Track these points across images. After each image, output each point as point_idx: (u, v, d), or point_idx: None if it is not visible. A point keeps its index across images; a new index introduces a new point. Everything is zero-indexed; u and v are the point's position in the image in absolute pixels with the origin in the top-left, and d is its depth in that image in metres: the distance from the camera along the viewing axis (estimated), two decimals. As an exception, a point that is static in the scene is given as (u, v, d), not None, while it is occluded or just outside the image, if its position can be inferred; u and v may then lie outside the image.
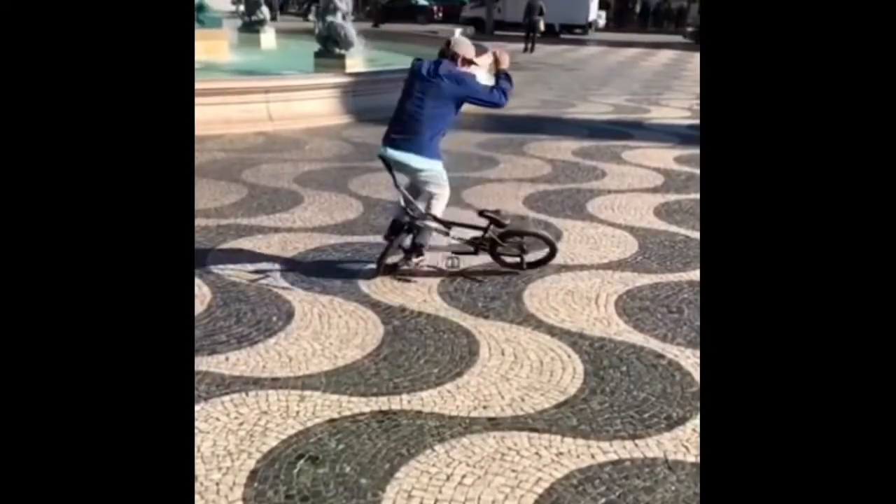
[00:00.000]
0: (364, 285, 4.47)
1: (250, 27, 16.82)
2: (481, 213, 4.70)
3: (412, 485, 2.68)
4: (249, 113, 9.30)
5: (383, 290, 4.40)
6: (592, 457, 2.89)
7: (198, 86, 9.68)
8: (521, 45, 22.70)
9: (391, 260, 4.64)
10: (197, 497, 2.59)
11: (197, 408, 3.12)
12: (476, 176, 7.26)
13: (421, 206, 4.56)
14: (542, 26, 23.38)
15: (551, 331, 3.94)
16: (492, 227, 4.64)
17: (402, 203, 4.51)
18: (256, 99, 9.51)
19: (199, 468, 2.74)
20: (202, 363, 3.49)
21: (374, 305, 4.18)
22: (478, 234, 4.68)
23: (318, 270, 4.69)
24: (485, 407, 3.20)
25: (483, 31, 29.86)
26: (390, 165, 4.44)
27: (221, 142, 8.48)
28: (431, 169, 4.46)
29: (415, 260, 4.70)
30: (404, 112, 4.39)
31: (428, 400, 3.23)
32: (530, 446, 2.94)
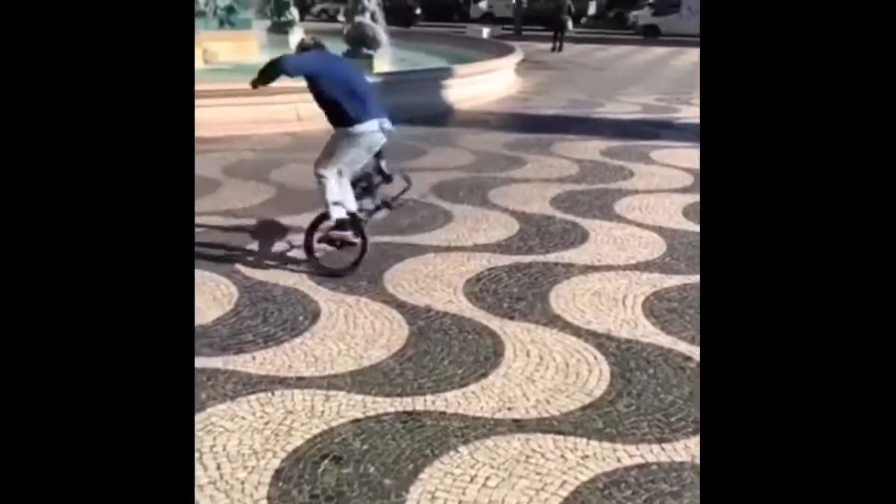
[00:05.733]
0: (390, 285, 4.47)
1: (279, 28, 16.94)
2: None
3: (436, 486, 2.68)
4: (278, 113, 9.35)
5: (409, 290, 4.41)
6: (619, 460, 2.86)
7: (226, 86, 9.78)
8: (549, 45, 22.62)
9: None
10: (222, 495, 2.61)
11: (223, 406, 3.14)
12: (503, 176, 7.24)
13: (383, 163, 4.92)
14: (570, 26, 23.22)
15: (577, 332, 3.91)
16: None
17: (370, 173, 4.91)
18: (285, 99, 9.55)
19: (225, 467, 2.76)
20: (229, 362, 3.52)
21: (400, 306, 4.19)
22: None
23: (345, 270, 4.70)
24: (509, 408, 3.18)
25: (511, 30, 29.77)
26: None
27: (250, 142, 8.55)
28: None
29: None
30: (367, 90, 4.68)
31: (452, 401, 3.23)
32: (555, 449, 2.91)
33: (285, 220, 5.71)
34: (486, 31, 24.87)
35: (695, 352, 3.70)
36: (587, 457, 2.87)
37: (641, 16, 31.37)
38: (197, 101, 9.90)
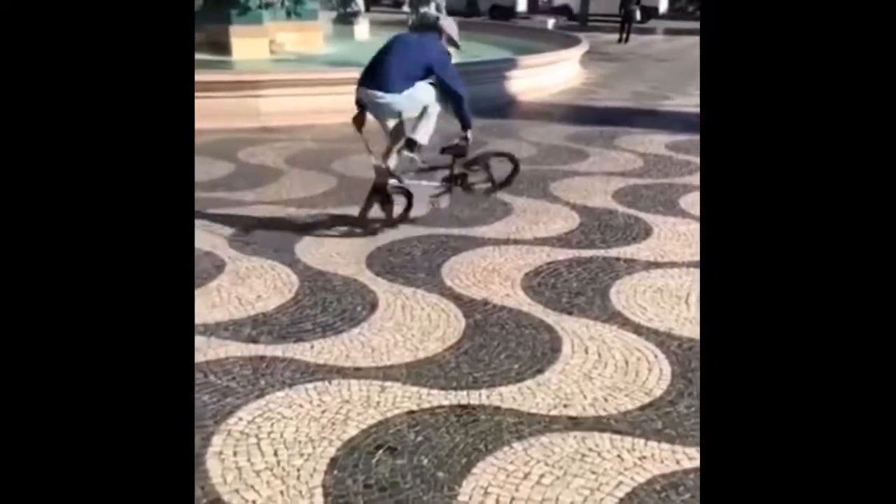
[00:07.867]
0: (447, 278, 4.46)
1: (345, 19, 17.12)
2: (443, 151, 5.29)
3: (489, 481, 2.66)
4: (341, 103, 9.40)
5: (466, 283, 4.39)
6: (677, 462, 2.79)
7: (291, 76, 9.92)
8: (615, 36, 22.27)
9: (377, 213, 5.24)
10: (278, 481, 2.65)
11: (281, 394, 3.19)
12: (565, 169, 7.16)
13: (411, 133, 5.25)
14: (637, 16, 22.81)
15: (638, 329, 3.84)
16: (456, 160, 5.31)
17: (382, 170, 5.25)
18: (348, 90, 9.62)
19: (282, 453, 2.80)
20: (288, 350, 3.56)
21: (457, 298, 4.17)
22: (446, 171, 5.40)
23: (403, 262, 4.72)
24: (566, 405, 3.14)
25: (574, 20, 29.35)
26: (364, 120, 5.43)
27: (313, 132, 8.65)
28: (397, 101, 5.12)
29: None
30: (379, 63, 5.17)
31: (507, 396, 3.20)
32: (612, 448, 2.86)
33: (345, 210, 5.76)
34: (550, 22, 24.63)
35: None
36: (645, 458, 2.81)
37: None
38: (261, 91, 10.04)
